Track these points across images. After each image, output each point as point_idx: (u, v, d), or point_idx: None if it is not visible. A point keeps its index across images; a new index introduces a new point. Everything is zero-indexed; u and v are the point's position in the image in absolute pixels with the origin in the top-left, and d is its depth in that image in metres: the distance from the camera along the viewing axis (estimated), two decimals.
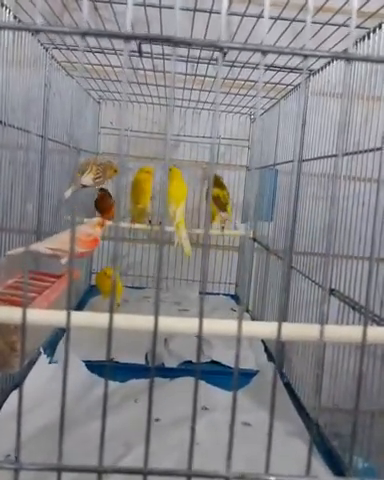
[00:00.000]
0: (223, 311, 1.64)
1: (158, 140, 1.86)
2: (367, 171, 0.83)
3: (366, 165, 0.84)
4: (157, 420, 0.92)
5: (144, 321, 0.36)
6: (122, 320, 0.36)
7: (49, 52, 1.11)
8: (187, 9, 0.87)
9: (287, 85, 1.32)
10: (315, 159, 1.09)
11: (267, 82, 1.31)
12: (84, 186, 1.37)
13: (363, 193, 0.86)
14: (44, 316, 0.38)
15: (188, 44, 0.32)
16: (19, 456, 0.35)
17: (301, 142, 1.18)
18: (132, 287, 1.82)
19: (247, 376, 1.14)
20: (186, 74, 1.32)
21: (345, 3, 0.79)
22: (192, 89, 1.49)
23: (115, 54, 1.18)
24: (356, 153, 0.86)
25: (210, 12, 0.87)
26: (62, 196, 1.40)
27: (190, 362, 1.21)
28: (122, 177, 1.87)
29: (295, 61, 1.16)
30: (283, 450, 0.84)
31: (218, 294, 1.89)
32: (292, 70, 1.19)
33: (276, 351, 0.37)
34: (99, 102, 1.80)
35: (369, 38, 0.87)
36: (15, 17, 0.89)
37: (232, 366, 1.21)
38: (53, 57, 1.15)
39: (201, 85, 1.46)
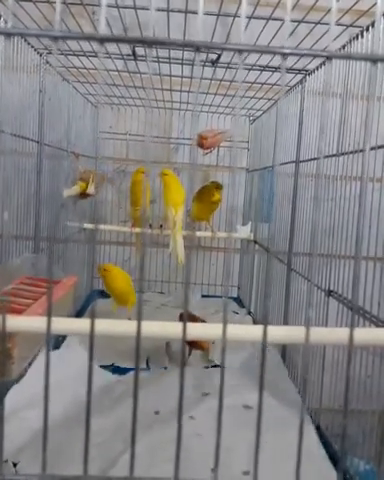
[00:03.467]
0: None
1: (157, 143, 1.86)
2: (369, 171, 0.82)
3: (368, 165, 0.83)
4: (157, 413, 0.92)
5: (126, 326, 0.35)
6: (105, 326, 0.35)
7: (43, 58, 1.11)
8: (179, 11, 0.87)
9: (283, 86, 1.31)
10: (311, 160, 1.09)
11: (263, 83, 1.30)
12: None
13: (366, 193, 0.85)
14: (25, 323, 0.38)
15: (162, 44, 0.31)
16: (1, 468, 0.35)
17: (298, 143, 1.17)
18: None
19: None
20: (182, 77, 1.31)
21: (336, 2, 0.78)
22: (189, 91, 1.48)
23: (109, 58, 1.18)
24: (336, 155, 0.86)
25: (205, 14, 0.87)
26: (62, 200, 1.40)
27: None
28: (123, 181, 1.88)
29: (291, 61, 1.15)
30: (285, 435, 0.82)
31: (220, 297, 1.89)
32: (288, 70, 1.18)
33: (262, 352, 0.36)
34: (96, 107, 1.80)
35: (362, 36, 0.86)
36: (6, 23, 0.89)
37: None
38: (48, 62, 1.14)
39: (197, 87, 1.45)
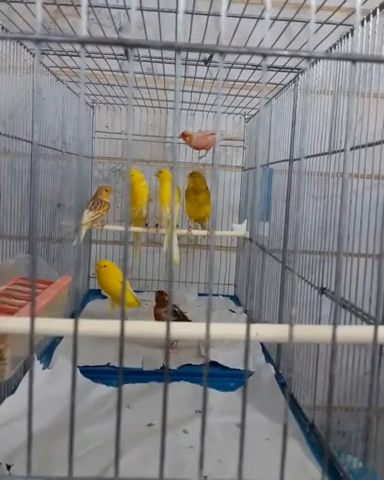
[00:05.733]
0: (221, 312, 1.64)
1: (154, 143, 1.87)
2: (359, 168, 0.82)
3: (358, 162, 0.83)
4: (150, 425, 0.92)
5: (110, 326, 0.35)
6: (89, 326, 0.36)
7: (36, 54, 1.11)
8: (169, 11, 0.87)
9: (277, 84, 1.31)
10: (304, 158, 1.09)
11: (256, 82, 1.31)
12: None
13: (357, 190, 0.85)
14: (14, 323, 0.38)
15: (143, 46, 0.31)
16: None
17: (291, 141, 1.18)
18: None
19: (243, 376, 1.14)
20: (175, 76, 1.31)
21: (325, 1, 0.79)
22: (183, 91, 1.48)
23: (103, 58, 1.18)
24: (327, 154, 0.86)
25: (196, 14, 0.87)
26: (60, 201, 1.41)
27: (190, 365, 1.21)
28: (119, 180, 1.88)
29: (284, 60, 1.15)
30: (278, 451, 0.83)
31: (217, 295, 1.89)
32: (280, 69, 1.18)
33: (245, 352, 0.36)
34: (92, 106, 1.80)
35: (352, 35, 0.87)
36: (2, 27, 0.91)
37: (229, 366, 1.21)
38: (41, 63, 1.15)
39: (191, 86, 1.45)
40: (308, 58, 0.34)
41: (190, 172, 1.55)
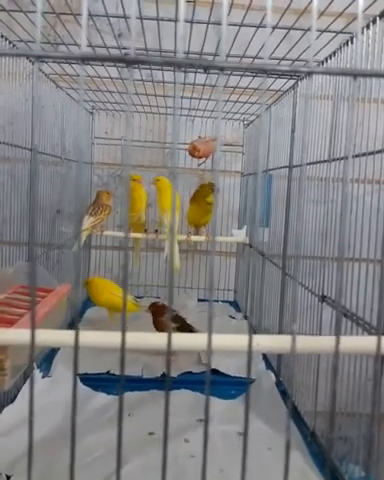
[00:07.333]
0: (221, 318, 1.63)
1: (153, 149, 1.87)
2: (360, 174, 0.82)
3: (359, 168, 0.83)
4: (152, 434, 0.92)
5: (111, 337, 0.35)
6: (90, 338, 0.36)
7: (35, 65, 1.12)
8: (169, 20, 0.87)
9: (277, 90, 1.32)
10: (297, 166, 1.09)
11: (256, 88, 1.31)
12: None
13: (357, 195, 0.85)
14: (15, 335, 0.38)
15: (143, 62, 0.31)
16: None
17: (291, 148, 1.18)
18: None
19: (244, 384, 1.13)
20: (174, 83, 1.31)
21: (328, 6, 0.79)
22: (182, 97, 1.49)
23: (102, 66, 1.18)
24: (327, 161, 0.86)
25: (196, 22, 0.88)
26: (60, 207, 1.41)
27: (191, 372, 1.20)
28: (118, 186, 1.88)
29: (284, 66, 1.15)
30: (280, 461, 0.83)
31: (217, 301, 1.89)
32: (280, 75, 1.19)
33: (248, 364, 0.36)
34: (92, 112, 1.81)
35: (352, 42, 0.87)
36: (2, 36, 0.91)
37: (230, 374, 1.20)
38: (40, 70, 1.15)
39: (191, 93, 1.46)
40: (308, 73, 0.34)
41: (206, 183, 1.57)
